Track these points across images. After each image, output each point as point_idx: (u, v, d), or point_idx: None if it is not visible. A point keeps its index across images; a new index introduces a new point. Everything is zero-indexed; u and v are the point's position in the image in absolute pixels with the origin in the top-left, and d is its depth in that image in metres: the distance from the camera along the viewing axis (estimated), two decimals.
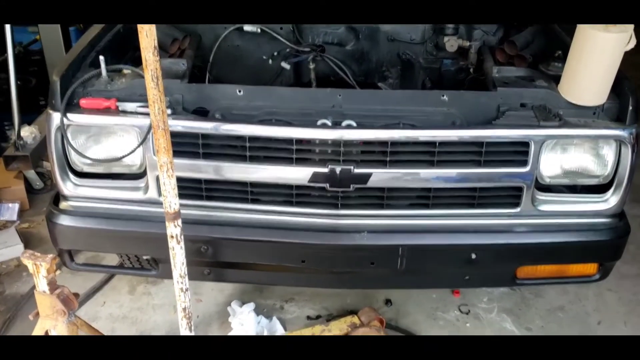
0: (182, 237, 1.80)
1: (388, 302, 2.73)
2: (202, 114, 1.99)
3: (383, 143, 1.90)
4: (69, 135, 1.91)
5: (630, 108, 1.91)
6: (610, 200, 2.01)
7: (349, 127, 1.92)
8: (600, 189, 2.03)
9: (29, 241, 3.07)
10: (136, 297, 2.74)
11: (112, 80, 1.99)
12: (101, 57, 1.97)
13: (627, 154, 1.93)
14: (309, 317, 2.65)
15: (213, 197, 2.00)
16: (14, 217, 3.26)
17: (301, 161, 1.91)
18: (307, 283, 2.38)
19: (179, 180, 1.77)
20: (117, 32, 2.33)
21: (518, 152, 1.92)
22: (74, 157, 1.98)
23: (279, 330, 2.52)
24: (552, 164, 1.97)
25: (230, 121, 1.94)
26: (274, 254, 2.03)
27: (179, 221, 1.77)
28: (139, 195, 2.00)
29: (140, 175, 2.00)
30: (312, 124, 1.93)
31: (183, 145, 1.89)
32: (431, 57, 2.69)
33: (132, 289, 2.78)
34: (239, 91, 2.00)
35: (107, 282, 2.81)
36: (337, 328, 2.40)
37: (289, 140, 1.89)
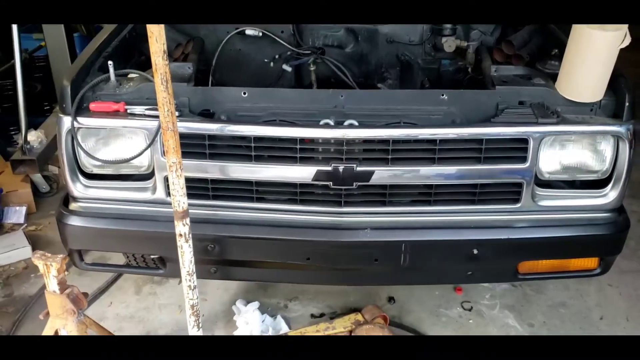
0: (191, 235, 1.83)
1: (391, 299, 2.77)
2: (208, 116, 2.03)
3: (385, 141, 1.94)
4: (79, 137, 1.95)
5: (627, 104, 1.95)
6: (609, 194, 2.05)
7: (351, 126, 1.97)
8: (599, 184, 2.06)
9: (36, 243, 3.12)
10: (142, 297, 2.78)
11: (121, 84, 2.04)
12: (110, 62, 2.02)
13: (625, 149, 1.97)
14: (313, 315, 2.68)
15: (219, 197, 2.04)
16: (21, 220, 3.31)
17: (305, 160, 1.95)
18: (312, 280, 2.41)
19: (186, 180, 1.81)
20: (123, 37, 2.38)
21: (517, 148, 1.96)
22: (83, 159, 2.02)
23: (284, 329, 2.55)
24: (551, 160, 2.00)
25: (236, 122, 1.99)
26: (278, 251, 2.06)
27: (188, 220, 1.80)
28: (147, 195, 2.04)
29: (148, 176, 2.04)
30: (315, 124, 1.98)
31: (190, 146, 1.93)
32: (429, 58, 2.73)
33: (138, 289, 2.82)
34: (244, 93, 2.05)
35: (114, 283, 2.85)
36: (341, 326, 2.42)
37: (293, 140, 1.93)
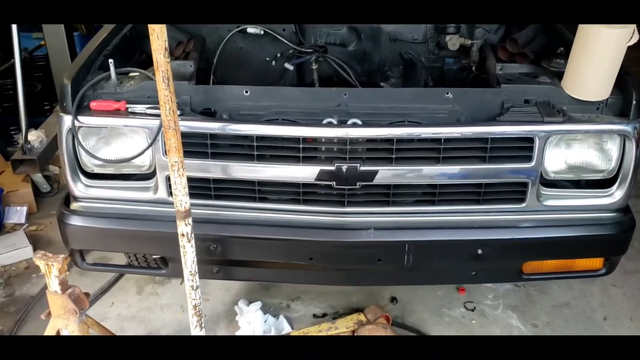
0: (193, 235, 1.82)
1: (394, 299, 2.75)
2: (209, 114, 2.01)
3: (388, 140, 1.92)
4: (80, 136, 1.93)
5: (634, 103, 1.93)
6: (615, 194, 2.03)
7: (354, 125, 1.95)
8: (605, 183, 2.04)
9: (37, 243, 3.10)
10: (144, 298, 2.77)
11: (121, 83, 2.02)
12: (110, 61, 2.00)
13: (632, 148, 1.95)
14: (315, 315, 2.67)
15: (221, 196, 2.02)
16: (22, 220, 3.30)
17: (308, 160, 1.93)
18: (315, 280, 2.40)
19: (188, 180, 1.79)
20: (124, 35, 2.36)
21: (522, 147, 1.94)
22: (84, 159, 2.01)
23: (286, 329, 2.54)
24: (556, 159, 1.99)
25: (238, 121, 1.97)
26: (281, 251, 2.05)
27: (190, 220, 1.79)
28: (148, 195, 2.03)
29: (149, 175, 2.02)
30: (318, 123, 1.96)
31: (192, 145, 1.91)
32: (433, 56, 2.72)
33: (140, 290, 2.81)
34: (246, 92, 2.03)
35: (115, 283, 2.84)
36: (344, 326, 2.41)
37: (295, 139, 1.91)
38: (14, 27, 3.26)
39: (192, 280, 1.89)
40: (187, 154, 1.86)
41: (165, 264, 2.22)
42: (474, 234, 2.01)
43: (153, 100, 1.85)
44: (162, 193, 2.00)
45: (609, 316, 2.69)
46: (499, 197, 2.02)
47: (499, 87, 2.04)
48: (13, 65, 3.33)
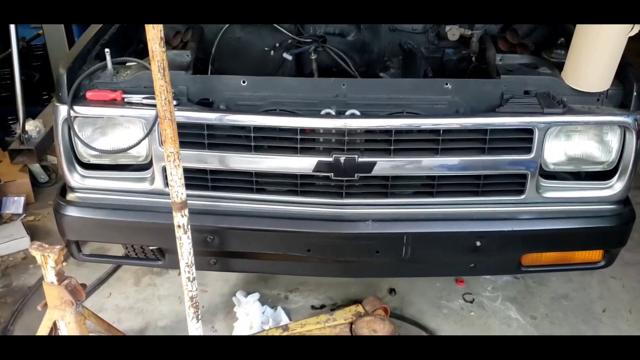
0: (189, 226, 1.81)
1: (392, 291, 2.75)
2: (206, 105, 2.00)
3: (387, 131, 1.90)
4: (75, 127, 1.92)
5: (635, 94, 1.91)
6: (615, 186, 2.02)
7: (353, 116, 1.93)
8: (604, 175, 2.03)
9: (34, 234, 3.10)
10: (141, 288, 2.76)
11: (118, 73, 2.00)
12: (107, 50, 1.98)
13: (632, 140, 1.94)
14: (313, 307, 2.66)
15: (218, 188, 2.01)
16: (20, 210, 3.29)
17: (306, 151, 1.92)
18: (313, 272, 2.39)
19: (185, 171, 1.78)
20: (121, 25, 2.33)
21: (522, 139, 1.92)
22: (80, 149, 1.99)
23: (284, 320, 2.54)
24: (556, 151, 1.97)
25: (235, 112, 1.95)
26: (279, 243, 2.04)
27: (186, 211, 1.78)
28: (145, 186, 2.02)
29: (146, 166, 2.01)
30: (317, 114, 1.94)
31: (188, 136, 1.90)
32: (433, 47, 2.69)
33: (138, 280, 2.81)
34: (243, 82, 2.01)
35: (113, 274, 2.84)
36: (342, 317, 2.40)
37: (293, 130, 1.90)
38: None
39: (189, 272, 1.88)
40: (184, 144, 1.84)
41: (162, 255, 2.21)
42: (472, 225, 2.00)
43: (149, 90, 1.84)
44: (158, 184, 1.99)
45: (608, 308, 2.69)
46: (498, 188, 2.00)
47: (498, 78, 2.02)
48: (10, 55, 3.31)
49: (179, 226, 1.79)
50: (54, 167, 3.57)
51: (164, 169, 1.91)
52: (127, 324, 2.56)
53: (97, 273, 2.80)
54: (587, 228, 2.03)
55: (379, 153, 1.92)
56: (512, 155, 1.94)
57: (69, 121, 1.91)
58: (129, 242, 2.22)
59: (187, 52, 2.13)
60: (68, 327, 2.05)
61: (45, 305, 2.05)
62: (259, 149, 1.93)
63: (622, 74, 1.95)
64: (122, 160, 2.02)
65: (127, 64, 2.05)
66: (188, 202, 1.79)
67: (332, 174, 1.92)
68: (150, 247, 2.21)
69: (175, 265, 1.97)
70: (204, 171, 1.97)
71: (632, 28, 1.82)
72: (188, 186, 1.80)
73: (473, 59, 2.52)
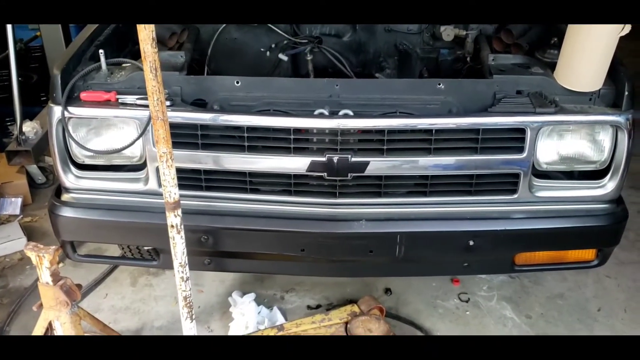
0: (182, 226, 1.81)
1: (388, 291, 2.76)
2: (200, 105, 2.00)
3: (380, 131, 1.91)
4: (70, 127, 1.93)
5: (626, 93, 1.92)
6: (608, 185, 2.02)
7: (346, 116, 1.94)
8: (597, 174, 2.04)
9: (31, 235, 3.11)
10: (138, 289, 2.77)
11: (112, 74, 2.01)
12: (101, 51, 1.99)
13: (624, 139, 1.94)
14: (309, 307, 2.67)
15: (212, 188, 2.01)
16: (17, 212, 3.30)
17: (299, 151, 1.92)
18: (307, 272, 2.40)
19: (179, 171, 1.79)
20: (116, 26, 2.34)
21: (514, 138, 1.93)
22: (75, 150, 2.00)
23: (280, 320, 2.54)
24: (548, 150, 1.98)
25: (229, 112, 1.96)
26: (273, 243, 2.04)
27: (179, 211, 1.78)
28: (139, 186, 2.02)
29: (140, 167, 2.02)
30: (310, 114, 1.95)
31: (182, 136, 1.91)
32: (428, 47, 2.70)
33: (134, 281, 2.81)
34: (237, 82, 2.02)
35: (109, 274, 2.84)
36: (337, 317, 2.40)
37: (286, 130, 1.90)
38: None
39: (182, 272, 1.89)
40: (178, 145, 1.86)
41: (157, 255, 2.22)
42: (465, 225, 2.01)
43: (143, 91, 1.82)
44: (152, 184, 1.99)
45: (603, 307, 2.70)
46: (490, 188, 2.01)
47: (491, 78, 2.03)
48: (7, 57, 3.32)
49: (172, 226, 1.80)
50: (52, 168, 3.57)
51: (158, 169, 1.92)
52: (124, 325, 2.57)
53: (93, 274, 2.81)
54: (579, 227, 2.03)
55: (372, 153, 1.93)
56: (504, 154, 1.94)
57: (63, 122, 1.92)
58: (124, 243, 2.23)
59: (181, 53, 2.14)
60: (63, 327, 2.06)
61: (41, 305, 2.06)
62: (252, 149, 1.93)
63: (614, 73, 1.96)
64: (117, 160, 2.03)
65: (122, 64, 2.06)
66: (182, 202, 1.80)
67: (326, 173, 1.93)
68: (145, 248, 2.21)
69: (170, 265, 1.98)
70: (197, 171, 1.98)
71: (623, 28, 1.82)
72: (182, 186, 1.81)
73: (468, 59, 2.53)
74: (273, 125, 1.92)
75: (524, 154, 1.93)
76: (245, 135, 1.91)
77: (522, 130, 1.91)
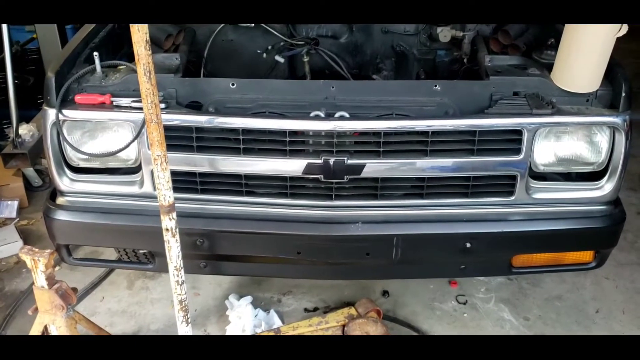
0: (177, 230, 1.80)
1: (385, 293, 2.74)
2: (195, 107, 1.99)
3: (376, 133, 1.90)
4: (64, 130, 1.92)
5: (624, 94, 1.91)
6: (605, 187, 2.01)
7: (342, 118, 1.93)
8: (594, 176, 2.03)
9: (28, 238, 3.09)
10: (134, 292, 2.76)
11: (107, 76, 2.00)
12: (95, 53, 1.98)
13: (621, 140, 1.94)
14: (306, 310, 2.66)
15: (208, 190, 2.01)
16: (13, 215, 3.29)
17: (295, 153, 1.92)
18: (303, 274, 2.39)
19: (174, 174, 1.78)
20: (111, 28, 2.34)
21: (511, 140, 1.92)
22: (69, 153, 1.99)
23: (277, 323, 2.53)
24: (545, 151, 1.97)
25: (224, 114, 1.95)
26: (269, 245, 2.03)
27: (174, 214, 1.77)
28: (134, 189, 2.01)
29: (135, 169, 2.01)
30: (306, 116, 1.94)
31: (177, 139, 1.90)
32: (425, 49, 2.70)
33: (131, 284, 2.80)
34: (232, 84, 2.01)
35: (106, 278, 2.83)
36: (334, 320, 2.40)
37: (282, 132, 1.89)
38: None
39: (178, 275, 1.88)
40: (173, 147, 1.85)
41: (152, 258, 2.21)
42: (462, 227, 2.00)
43: (138, 94, 1.82)
44: (147, 187, 1.98)
45: (602, 309, 2.69)
46: (487, 190, 2.00)
47: (487, 79, 2.02)
48: (3, 59, 3.31)
49: (167, 229, 1.79)
50: (48, 171, 3.56)
51: (153, 172, 1.90)
52: (120, 328, 2.56)
53: (89, 277, 2.80)
54: (577, 229, 2.03)
55: (368, 155, 1.92)
56: (501, 156, 1.94)
57: (57, 125, 1.91)
58: (119, 246, 2.21)
59: (175, 55, 2.13)
60: (59, 331, 2.05)
61: (36, 309, 2.05)
62: (248, 152, 1.92)
63: (611, 74, 1.95)
64: (112, 163, 2.01)
65: (117, 67, 2.05)
66: (177, 205, 1.79)
67: (322, 176, 1.92)
68: (141, 251, 2.20)
69: (165, 268, 1.97)
70: (193, 174, 1.97)
71: (620, 28, 1.82)
72: (177, 189, 1.80)
73: (465, 60, 2.53)
74: (268, 127, 1.91)
75: (521, 156, 1.92)
76: (241, 137, 1.90)
77: (519, 132, 1.90)
